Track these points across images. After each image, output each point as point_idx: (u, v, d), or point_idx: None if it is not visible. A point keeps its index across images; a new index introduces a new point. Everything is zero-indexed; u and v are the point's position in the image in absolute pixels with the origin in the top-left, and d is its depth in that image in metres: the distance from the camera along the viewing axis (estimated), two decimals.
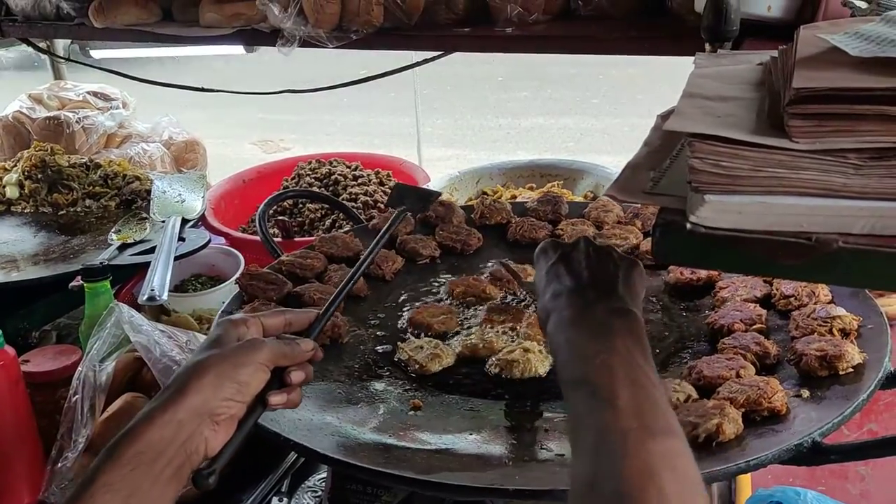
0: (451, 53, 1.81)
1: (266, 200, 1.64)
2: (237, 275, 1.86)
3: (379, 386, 1.17)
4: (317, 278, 1.47)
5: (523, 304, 1.38)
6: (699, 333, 1.25)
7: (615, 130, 6.00)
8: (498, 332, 1.30)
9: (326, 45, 1.69)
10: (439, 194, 1.41)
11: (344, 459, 0.91)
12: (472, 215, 1.69)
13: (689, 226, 0.67)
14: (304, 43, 1.68)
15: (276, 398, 0.92)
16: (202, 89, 2.01)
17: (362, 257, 1.17)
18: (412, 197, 1.37)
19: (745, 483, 1.29)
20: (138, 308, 1.55)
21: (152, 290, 1.49)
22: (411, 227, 1.64)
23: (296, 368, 0.95)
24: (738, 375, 1.04)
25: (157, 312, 1.67)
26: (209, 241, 1.78)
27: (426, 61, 1.87)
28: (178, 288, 1.87)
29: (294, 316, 1.01)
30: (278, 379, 0.93)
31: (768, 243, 0.65)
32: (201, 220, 2.00)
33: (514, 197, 2.13)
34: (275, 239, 1.79)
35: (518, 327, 1.31)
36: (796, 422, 0.94)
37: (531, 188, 2.17)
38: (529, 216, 1.66)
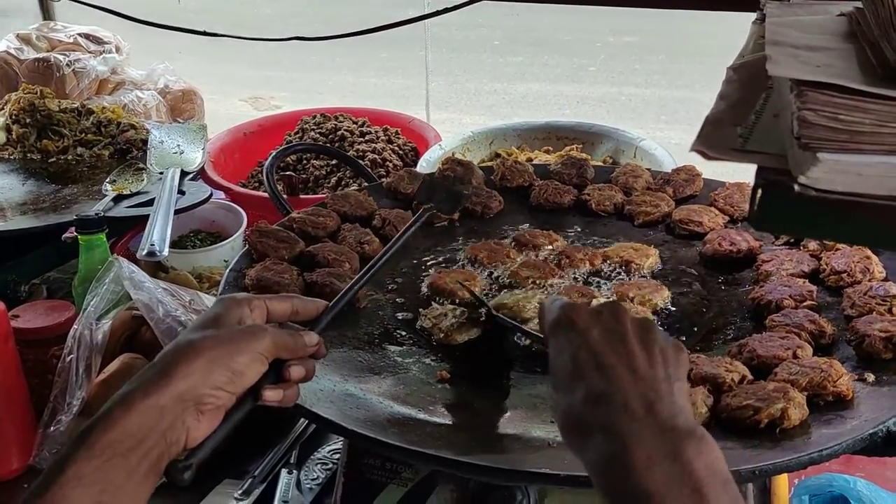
0: (472, 3, 1.71)
1: (274, 153, 1.54)
2: (240, 231, 1.76)
3: (402, 355, 1.09)
4: (329, 237, 1.37)
5: (551, 261, 1.30)
6: (741, 309, 1.17)
7: (612, 99, 5.89)
8: (526, 289, 1.22)
9: None
10: (470, 196, 1.29)
11: (377, 437, 0.82)
12: (493, 177, 1.59)
13: (797, 188, 0.59)
14: None
15: (270, 394, 0.82)
16: (205, 33, 1.89)
17: (377, 257, 1.05)
18: (442, 193, 1.25)
19: None
20: (135, 263, 1.46)
21: (152, 244, 1.39)
22: None
23: (296, 363, 0.84)
24: (795, 356, 0.96)
25: (155, 269, 1.57)
26: (210, 195, 1.68)
27: (444, 11, 1.76)
28: (177, 244, 1.76)
29: (302, 304, 0.91)
30: (275, 372, 0.83)
31: (892, 210, 0.57)
32: (200, 174, 1.89)
33: (530, 160, 2.03)
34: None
35: (545, 286, 1.23)
36: (864, 408, 0.87)
37: (547, 151, 2.07)
38: (553, 179, 1.57)
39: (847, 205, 0.58)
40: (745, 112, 0.76)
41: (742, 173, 1.82)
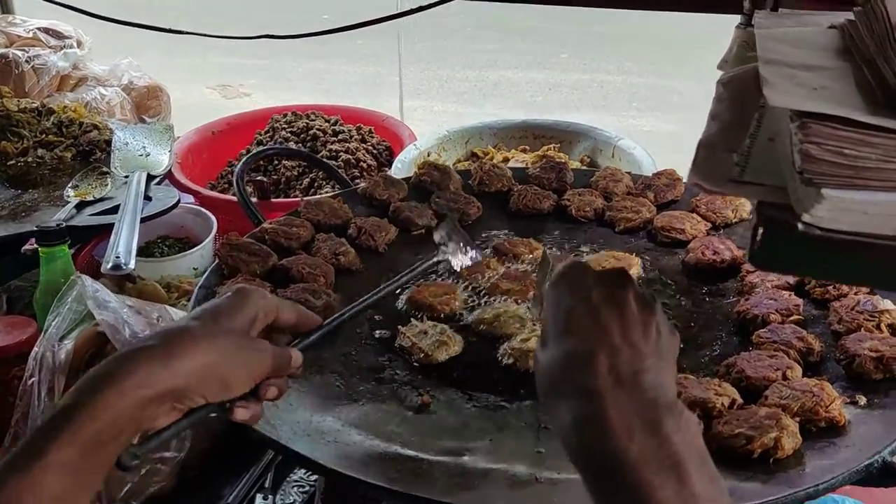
0: (449, 1, 1.66)
1: (244, 158, 1.48)
2: (210, 238, 1.71)
3: (380, 378, 1.05)
4: (303, 248, 1.33)
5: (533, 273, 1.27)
6: (727, 322, 1.15)
7: (584, 86, 5.88)
8: (507, 301, 1.19)
9: None
10: (480, 256, 1.17)
11: (355, 476, 0.79)
12: (470, 181, 1.56)
13: (801, 226, 0.56)
14: None
15: (241, 413, 0.79)
16: (170, 30, 1.82)
17: (376, 291, 1.00)
18: (457, 240, 1.12)
19: None
20: (99, 274, 1.40)
21: (117, 257, 1.33)
22: (405, 193, 1.51)
23: (274, 381, 0.81)
24: (784, 377, 0.94)
25: (121, 280, 1.51)
26: (179, 201, 1.62)
27: (421, 9, 1.71)
28: (143, 251, 1.71)
29: (305, 317, 0.87)
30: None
31: None
32: (167, 177, 1.82)
33: (507, 160, 1.99)
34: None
35: (527, 300, 1.20)
36: (857, 435, 0.85)
37: (524, 150, 2.03)
38: (532, 184, 1.53)
39: (853, 244, 0.55)
40: (739, 136, 0.72)
41: None
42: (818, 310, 1.13)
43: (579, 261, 0.79)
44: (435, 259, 1.08)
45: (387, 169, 2.05)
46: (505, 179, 1.54)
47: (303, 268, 1.22)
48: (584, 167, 1.96)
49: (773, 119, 0.74)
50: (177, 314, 1.31)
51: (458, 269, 1.11)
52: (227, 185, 2.08)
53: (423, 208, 1.45)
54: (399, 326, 1.14)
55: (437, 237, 1.11)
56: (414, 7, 1.65)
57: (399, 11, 1.72)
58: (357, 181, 1.97)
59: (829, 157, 0.56)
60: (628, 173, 1.56)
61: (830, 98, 0.63)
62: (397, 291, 1.24)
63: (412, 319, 1.16)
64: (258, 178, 1.73)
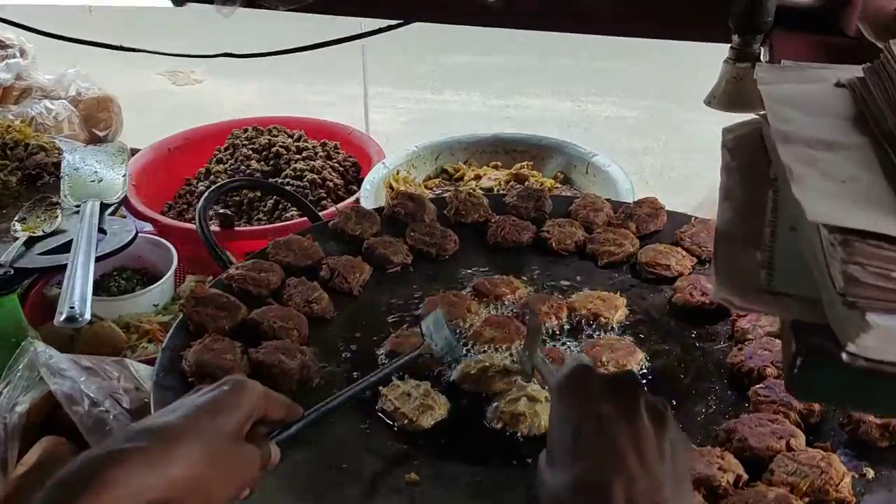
0: (411, 23, 1.58)
1: (206, 195, 1.39)
2: (171, 272, 1.61)
3: (362, 452, 0.98)
4: (273, 295, 1.25)
5: (515, 315, 1.21)
6: (720, 372, 1.11)
7: (542, 71, 5.85)
8: (491, 351, 1.14)
9: (275, 7, 1.44)
10: (462, 354, 1.12)
11: None
12: (446, 211, 1.49)
13: (845, 357, 0.51)
14: (248, 3, 1.43)
15: None
16: (121, 48, 1.71)
17: (363, 380, 0.97)
18: (442, 339, 1.07)
19: None
20: (52, 313, 1.29)
21: (72, 307, 1.24)
22: (378, 227, 1.44)
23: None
24: (789, 447, 0.90)
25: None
26: (136, 236, 1.52)
27: (381, 31, 1.63)
28: (99, 285, 1.61)
29: (289, 412, 0.83)
30: None
31: None
32: (122, 203, 1.72)
33: (479, 177, 1.93)
34: (210, 228, 1.54)
35: (513, 346, 1.14)
36: None
37: (496, 166, 1.97)
38: (510, 213, 1.48)
39: None
40: (757, 222, 0.67)
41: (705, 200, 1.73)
42: None
43: (584, 364, 0.73)
44: (419, 351, 1.03)
45: (354, 188, 1.98)
46: (482, 209, 1.48)
47: (274, 322, 1.15)
48: (559, 185, 1.91)
49: (787, 201, 0.69)
50: (139, 369, 1.23)
51: (441, 361, 1.08)
52: (185, 206, 1.98)
53: (397, 244, 1.38)
54: (380, 387, 1.07)
55: (423, 328, 1.07)
56: (374, 28, 1.58)
57: (361, 32, 1.65)
58: (324, 202, 1.89)
59: (875, 281, 0.51)
60: (608, 201, 1.51)
61: (864, 196, 0.58)
62: (375, 339, 1.19)
63: (393, 378, 1.09)
64: (222, 211, 1.63)
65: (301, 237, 1.37)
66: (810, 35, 1.17)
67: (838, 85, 0.80)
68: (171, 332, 1.12)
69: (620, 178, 1.80)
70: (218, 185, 1.44)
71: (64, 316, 1.23)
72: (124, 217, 1.83)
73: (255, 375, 1.07)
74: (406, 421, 1.02)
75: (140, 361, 1.38)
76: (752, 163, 0.76)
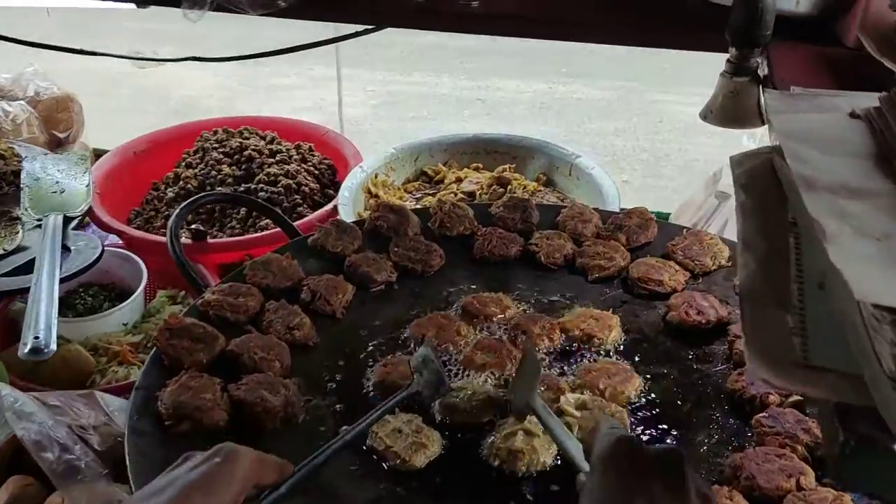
0: (384, 29, 1.52)
1: (177, 212, 1.32)
2: (140, 289, 1.54)
3: (354, 495, 0.93)
4: (252, 321, 1.19)
5: (506, 335, 1.17)
6: (719, 398, 1.08)
7: (512, 52, 5.83)
8: (482, 379, 1.09)
9: (246, 12, 1.37)
10: (449, 389, 1.05)
11: None
12: (430, 223, 1.44)
13: None
14: (219, 7, 1.36)
15: None
16: (82, 51, 1.61)
17: (350, 429, 0.93)
18: (433, 374, 1.03)
19: None
20: (17, 335, 1.22)
21: (36, 337, 1.17)
22: (359, 242, 1.38)
23: None
24: (798, 486, 0.87)
25: None
26: (102, 253, 1.44)
27: (357, 34, 1.56)
28: (64, 303, 1.53)
29: (283, 470, 0.80)
30: None
31: None
32: (87, 214, 1.64)
33: (460, 179, 1.88)
34: (182, 240, 1.46)
35: (504, 374, 1.10)
36: None
37: (477, 168, 1.92)
38: (496, 224, 1.43)
39: None
40: (782, 276, 0.63)
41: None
42: None
43: (627, 436, 0.69)
44: (409, 391, 0.98)
45: (331, 192, 1.91)
46: (467, 221, 1.43)
47: (254, 352, 1.09)
48: (541, 187, 1.86)
49: (814, 252, 0.65)
50: (112, 402, 1.16)
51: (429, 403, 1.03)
52: (153, 213, 1.90)
53: (381, 261, 1.33)
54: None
55: (412, 365, 1.02)
56: (350, 33, 1.51)
57: (336, 36, 1.58)
58: (300, 208, 1.82)
59: None
60: (596, 210, 1.46)
61: None
62: (360, 368, 1.13)
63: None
64: (194, 227, 1.56)
65: (279, 256, 1.31)
66: (809, 45, 1.13)
67: (853, 115, 0.76)
68: (144, 367, 1.05)
69: (605, 181, 1.75)
70: (190, 200, 1.36)
71: (28, 347, 1.16)
72: (87, 224, 1.76)
73: (236, 414, 1.01)
74: (398, 461, 0.97)
75: (111, 389, 1.32)
76: (767, 201, 0.72)
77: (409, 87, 5.68)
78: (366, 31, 1.54)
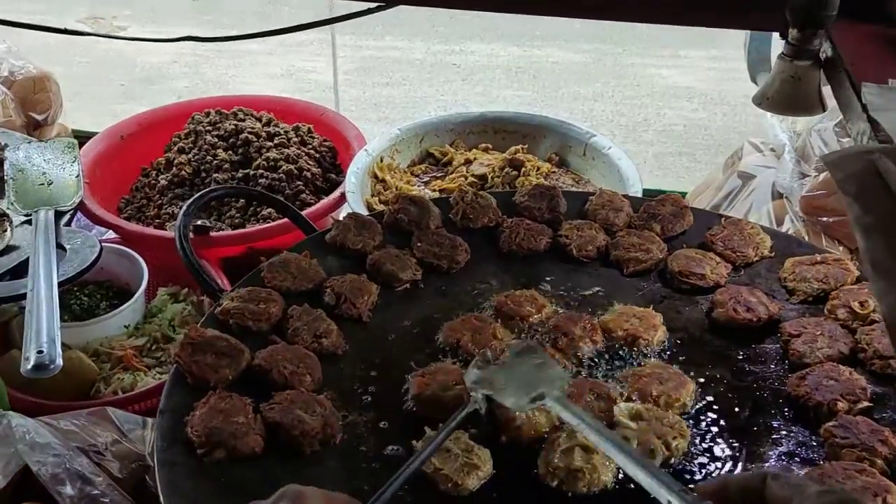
0: (392, 7, 1.41)
1: (184, 209, 1.22)
2: (141, 289, 1.44)
3: None
4: (275, 329, 1.11)
5: (545, 341, 1.10)
6: (778, 403, 1.02)
7: (487, 17, 5.72)
8: None
9: None
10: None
11: None
12: (452, 215, 1.36)
13: None
14: None
15: None
16: (65, 31, 1.49)
17: (410, 462, 0.85)
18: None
19: None
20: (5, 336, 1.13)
21: (40, 351, 1.07)
22: (380, 238, 1.29)
23: None
24: None
25: None
26: (101, 253, 1.34)
27: (359, 14, 1.45)
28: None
29: None
30: None
31: None
32: (78, 207, 1.53)
33: (469, 161, 1.79)
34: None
35: None
36: None
37: (487, 149, 1.83)
38: (521, 215, 1.35)
39: None
40: None
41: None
42: (880, 385, 1.01)
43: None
44: (467, 410, 0.92)
45: (332, 175, 1.82)
46: (491, 212, 1.35)
47: (284, 367, 1.01)
48: (554, 168, 1.78)
49: None
50: (125, 418, 1.07)
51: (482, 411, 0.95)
52: (144, 201, 1.80)
53: (404, 258, 1.25)
54: (413, 441, 0.95)
55: (468, 379, 0.95)
56: (343, 14, 1.41)
57: (329, 17, 1.47)
58: (303, 195, 1.73)
59: None
60: (625, 197, 1.39)
61: None
62: (395, 377, 1.06)
63: (426, 428, 0.97)
64: (200, 223, 1.46)
65: (298, 255, 1.22)
66: (867, 25, 1.06)
67: None
68: (165, 389, 0.97)
69: (624, 163, 1.68)
70: (197, 196, 1.26)
71: (32, 364, 1.06)
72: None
73: (271, 438, 0.93)
74: (450, 484, 0.90)
75: (120, 401, 1.24)
76: (887, 215, 0.65)
77: (382, 51, 5.54)
78: (369, 11, 1.43)
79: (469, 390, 0.94)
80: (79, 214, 1.65)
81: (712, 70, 4.97)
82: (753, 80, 2.46)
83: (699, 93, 4.78)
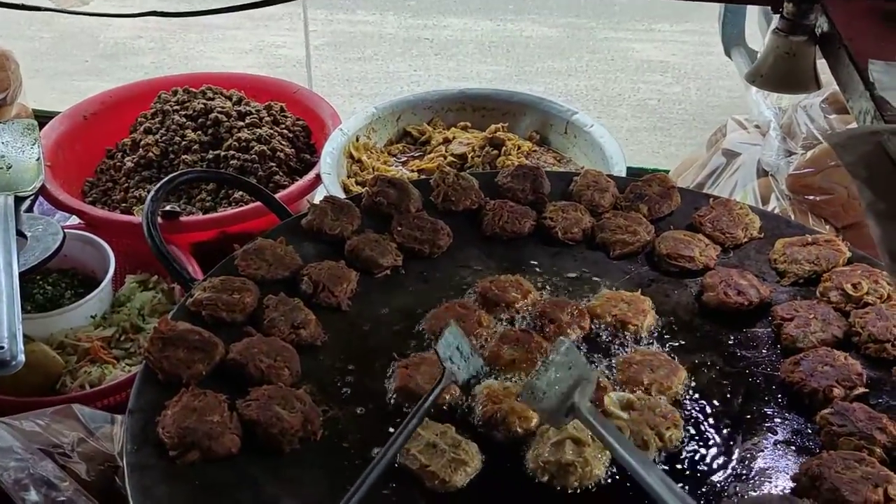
0: None
1: (152, 195, 1.16)
2: (108, 277, 1.38)
3: None
4: (250, 320, 1.06)
5: (532, 328, 1.06)
6: (771, 388, 1.00)
7: None
8: (515, 380, 0.99)
9: None
10: (485, 370, 0.97)
11: None
12: (432, 197, 1.31)
13: None
14: None
15: None
16: (24, 7, 1.41)
17: (386, 448, 0.82)
18: (462, 350, 0.94)
19: None
20: None
21: (1, 346, 1.01)
22: (358, 222, 1.24)
23: None
24: (887, 497, 0.80)
25: None
26: (64, 240, 1.28)
27: None
28: (20, 293, 1.36)
29: None
30: None
31: None
32: (40, 191, 1.46)
33: (448, 140, 1.74)
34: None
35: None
36: None
37: (466, 128, 1.78)
38: (504, 196, 1.31)
39: None
40: None
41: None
42: (875, 370, 0.99)
43: None
44: (442, 385, 0.87)
45: (307, 156, 1.76)
46: (473, 194, 1.30)
47: (260, 361, 0.96)
48: (535, 147, 1.74)
49: None
50: (93, 416, 1.02)
51: (460, 384, 0.90)
52: (110, 184, 1.72)
53: (384, 243, 1.20)
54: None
55: (440, 353, 0.90)
56: None
57: None
58: (276, 176, 1.67)
59: None
60: (610, 177, 1.35)
61: None
62: (376, 368, 1.02)
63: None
64: (169, 207, 1.39)
65: (272, 241, 1.17)
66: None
67: None
68: (135, 387, 0.92)
69: (607, 141, 1.64)
70: (165, 180, 1.19)
71: None
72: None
73: (248, 436, 0.89)
74: (437, 481, 0.86)
75: (88, 396, 1.18)
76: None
77: (353, 26, 5.44)
78: None
79: (442, 360, 0.90)
80: (40, 200, 1.59)
81: (686, 44, 4.94)
82: (727, 53, 2.43)
83: (673, 67, 4.75)
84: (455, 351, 0.90)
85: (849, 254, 1.15)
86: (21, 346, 1.03)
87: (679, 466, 0.90)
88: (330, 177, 1.55)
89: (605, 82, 4.75)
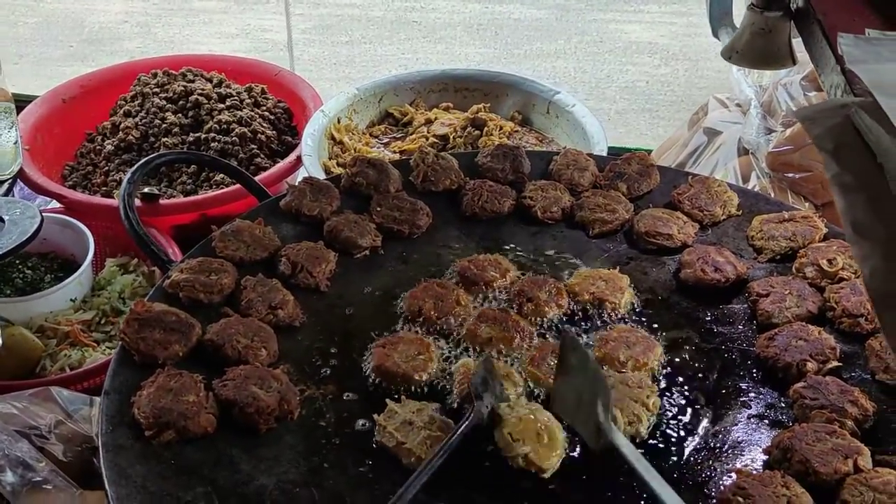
0: None
1: (129, 176, 1.15)
2: (88, 260, 1.37)
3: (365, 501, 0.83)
4: (228, 302, 1.05)
5: (510, 307, 1.06)
6: (747, 364, 1.01)
7: None
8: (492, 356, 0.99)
9: None
10: (504, 395, 0.93)
11: None
12: (412, 177, 1.31)
13: None
14: None
15: None
16: None
17: (419, 471, 0.81)
18: (492, 386, 0.92)
19: None
20: None
21: None
22: (337, 202, 1.24)
23: None
24: (856, 468, 0.81)
25: None
26: (41, 223, 1.27)
27: None
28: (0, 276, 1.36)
29: None
30: None
31: None
32: (18, 175, 1.45)
33: (430, 121, 1.74)
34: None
35: (512, 350, 1.00)
36: None
37: (448, 108, 1.78)
38: (484, 176, 1.31)
39: None
40: None
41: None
42: (848, 344, 1.00)
43: None
44: (471, 422, 0.87)
45: (288, 138, 1.75)
46: (453, 174, 1.30)
47: (237, 341, 0.96)
48: (517, 127, 1.74)
49: None
50: (71, 399, 1.02)
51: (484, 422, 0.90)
52: (90, 167, 1.71)
53: (363, 223, 1.20)
54: (374, 415, 0.91)
55: (473, 387, 0.90)
56: None
57: None
58: (257, 159, 1.66)
59: None
60: (590, 156, 1.35)
61: None
62: (355, 347, 1.02)
63: (387, 401, 0.93)
64: (148, 190, 1.39)
65: (250, 223, 1.16)
66: None
67: None
68: (110, 368, 0.91)
69: (589, 121, 1.64)
70: (143, 162, 1.19)
71: None
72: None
73: (225, 416, 0.89)
74: (413, 458, 0.87)
75: (67, 378, 1.18)
76: (866, 173, 0.62)
77: (340, 9, 5.39)
78: None
79: (474, 395, 0.89)
80: (21, 185, 1.58)
81: (674, 25, 4.92)
82: (715, 34, 2.43)
83: (661, 48, 4.74)
84: (485, 388, 0.90)
85: (825, 230, 1.15)
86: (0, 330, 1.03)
87: (652, 441, 0.91)
88: (311, 158, 1.54)
89: (593, 64, 4.74)
